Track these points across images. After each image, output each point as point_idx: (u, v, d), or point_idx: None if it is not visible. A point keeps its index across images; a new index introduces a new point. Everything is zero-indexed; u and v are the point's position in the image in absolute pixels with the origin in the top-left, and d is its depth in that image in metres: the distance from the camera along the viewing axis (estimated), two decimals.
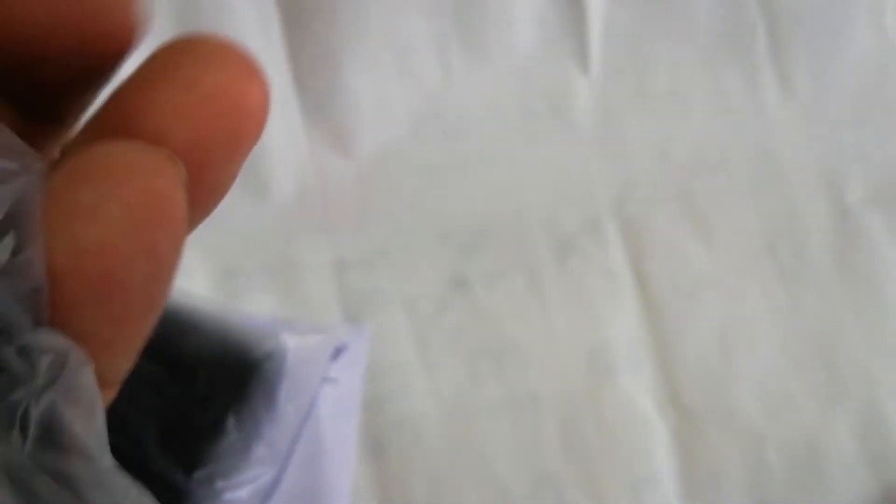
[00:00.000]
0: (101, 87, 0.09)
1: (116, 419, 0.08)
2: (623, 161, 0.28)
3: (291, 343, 0.23)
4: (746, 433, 0.26)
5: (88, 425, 0.07)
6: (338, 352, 0.26)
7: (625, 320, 0.26)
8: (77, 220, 0.08)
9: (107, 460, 0.07)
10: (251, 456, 0.22)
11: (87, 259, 0.08)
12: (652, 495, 0.25)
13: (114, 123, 0.09)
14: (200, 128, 0.09)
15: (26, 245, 0.07)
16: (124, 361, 0.09)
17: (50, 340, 0.07)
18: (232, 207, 0.27)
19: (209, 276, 0.27)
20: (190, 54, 0.09)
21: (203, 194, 0.09)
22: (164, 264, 0.09)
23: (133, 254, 0.08)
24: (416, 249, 0.27)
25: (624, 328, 0.26)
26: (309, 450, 0.24)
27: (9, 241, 0.07)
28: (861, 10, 0.29)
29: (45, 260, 0.08)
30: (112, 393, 0.09)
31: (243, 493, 0.22)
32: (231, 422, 0.22)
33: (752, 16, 0.29)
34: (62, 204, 0.08)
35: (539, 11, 0.28)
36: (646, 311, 0.27)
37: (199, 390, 0.22)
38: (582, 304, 0.27)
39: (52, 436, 0.07)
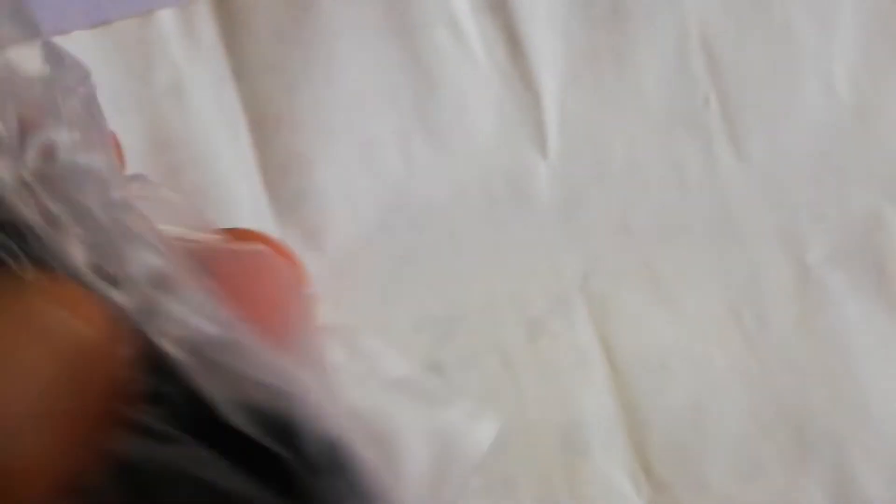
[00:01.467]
0: None
1: None
2: (586, 238, 0.29)
3: None
4: (720, 501, 0.26)
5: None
6: None
7: (596, 396, 0.27)
8: None
9: None
10: None
11: None
12: None
13: None
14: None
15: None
16: None
17: None
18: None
19: None
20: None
21: None
22: None
23: None
24: (390, 338, 0.28)
25: (595, 404, 0.27)
26: None
27: None
28: (810, 74, 0.29)
29: None
30: None
31: None
32: None
33: (703, 87, 0.29)
34: None
35: (495, 100, 0.29)
36: (616, 384, 0.27)
37: None
38: (553, 382, 0.27)
39: None
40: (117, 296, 0.09)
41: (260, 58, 0.28)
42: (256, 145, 0.28)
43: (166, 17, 0.27)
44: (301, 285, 0.13)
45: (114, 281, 0.09)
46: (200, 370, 0.09)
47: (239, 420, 0.09)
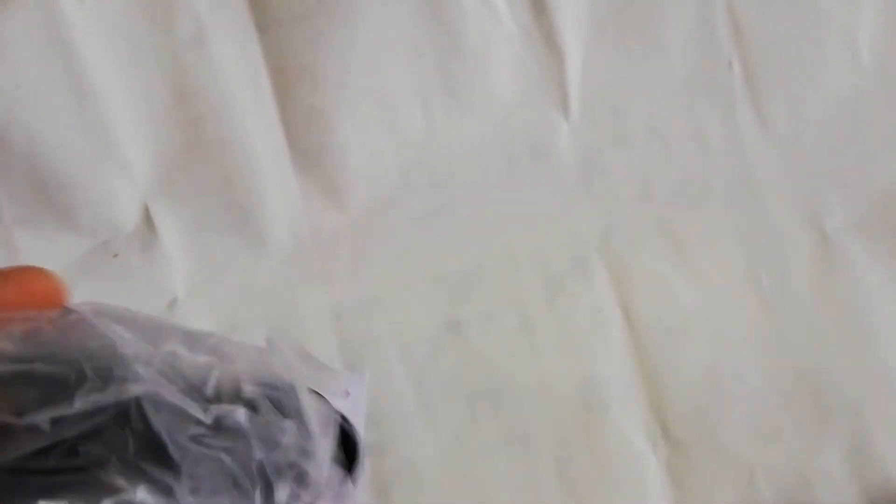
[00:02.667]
0: None
1: None
2: (606, 200, 0.28)
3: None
4: (737, 463, 0.26)
5: None
6: (345, 396, 0.26)
7: (614, 357, 0.27)
8: None
9: None
10: None
11: None
12: None
13: None
14: None
15: None
16: None
17: None
18: (232, 262, 0.28)
19: (213, 329, 0.27)
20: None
21: None
22: None
23: None
24: (410, 295, 0.27)
25: (613, 364, 0.27)
26: None
27: None
28: (834, 38, 0.29)
29: None
30: None
31: None
32: None
33: (727, 52, 0.29)
34: None
35: (517, 59, 0.28)
36: (634, 346, 0.27)
37: None
38: (572, 342, 0.27)
39: None
40: None
41: (283, 9, 0.27)
42: (278, 98, 0.27)
43: None
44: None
45: None
46: None
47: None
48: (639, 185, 0.28)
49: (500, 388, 0.26)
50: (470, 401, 0.26)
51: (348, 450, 0.16)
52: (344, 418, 0.17)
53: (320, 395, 0.13)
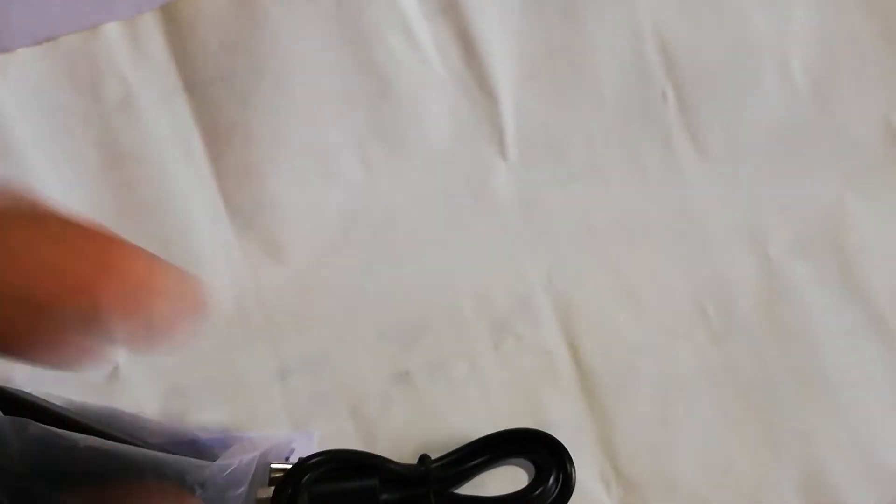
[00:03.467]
0: None
1: None
2: (548, 239, 0.28)
3: (232, 465, 0.23)
4: (690, 498, 0.25)
5: None
6: (286, 463, 0.26)
7: (563, 398, 0.26)
8: None
9: None
10: None
11: None
12: None
13: None
14: None
15: None
16: None
17: None
18: (175, 325, 0.27)
19: (156, 397, 0.26)
20: None
21: None
22: None
23: None
24: (357, 348, 0.27)
25: (563, 406, 0.26)
26: None
27: None
28: (766, 62, 0.29)
29: None
30: None
31: None
32: None
33: (660, 83, 0.29)
34: None
35: (451, 104, 0.28)
36: (582, 385, 0.27)
37: None
38: (521, 386, 0.27)
39: None
40: None
41: (210, 68, 0.27)
42: (211, 157, 0.27)
43: (113, 31, 0.27)
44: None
45: None
46: None
47: None
48: (580, 221, 0.28)
49: (451, 438, 0.26)
50: (421, 453, 0.26)
51: None
52: None
53: None
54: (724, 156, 0.28)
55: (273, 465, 0.24)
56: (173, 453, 0.24)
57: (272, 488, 0.23)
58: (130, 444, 0.23)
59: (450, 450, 0.25)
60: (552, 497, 0.24)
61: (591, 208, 0.28)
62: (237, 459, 0.22)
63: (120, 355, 0.26)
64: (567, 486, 0.24)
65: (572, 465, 0.24)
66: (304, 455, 0.25)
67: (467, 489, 0.25)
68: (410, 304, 0.27)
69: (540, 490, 0.24)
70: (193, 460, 0.23)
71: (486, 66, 0.28)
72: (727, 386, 0.27)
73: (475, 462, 0.25)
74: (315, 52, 0.27)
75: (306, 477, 0.23)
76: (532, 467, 0.25)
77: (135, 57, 0.27)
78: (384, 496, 0.24)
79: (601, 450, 0.26)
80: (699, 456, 0.26)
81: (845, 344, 0.27)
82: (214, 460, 0.25)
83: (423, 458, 0.25)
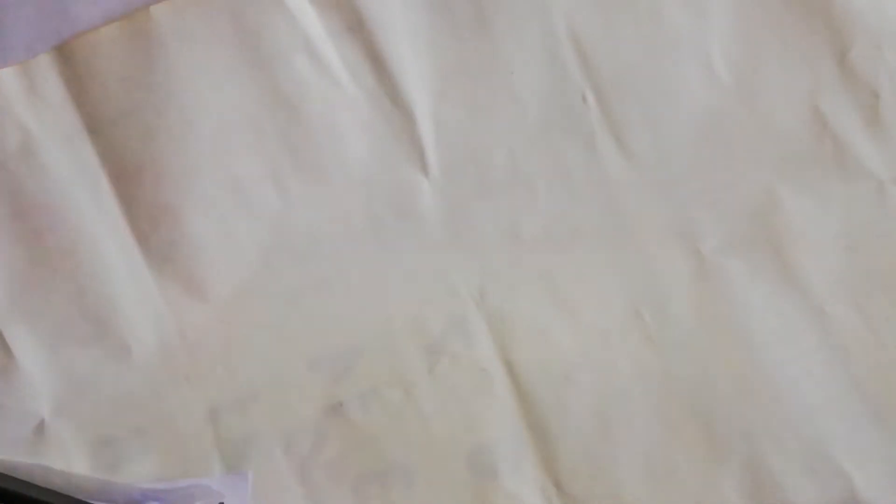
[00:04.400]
0: None
1: None
2: (478, 253, 0.27)
3: None
4: None
5: None
6: None
7: (500, 415, 0.26)
8: None
9: None
10: None
11: None
12: None
13: None
14: None
15: None
16: None
17: None
18: (97, 374, 0.26)
19: (85, 449, 0.25)
20: None
21: None
22: None
23: None
24: (287, 382, 0.26)
25: (501, 423, 0.26)
26: None
27: None
28: (687, 56, 0.28)
29: None
30: None
31: None
32: None
33: (579, 85, 0.28)
34: None
35: (366, 123, 0.27)
36: (520, 401, 0.26)
37: None
38: (457, 407, 0.26)
39: None
40: None
41: (111, 107, 0.26)
42: (120, 199, 0.26)
43: (6, 77, 0.25)
44: None
45: None
46: None
47: None
48: (508, 232, 0.27)
49: (388, 467, 0.25)
50: (358, 485, 0.25)
51: None
52: None
53: None
54: (650, 154, 0.28)
55: None
56: None
57: None
58: None
59: (385, 480, 0.25)
60: None
61: (519, 219, 0.27)
62: None
63: (44, 409, 0.26)
64: None
65: None
66: (240, 500, 0.24)
67: None
68: (340, 332, 0.26)
69: None
70: None
71: (399, 83, 0.27)
72: (666, 391, 0.26)
73: None
74: (217, 81, 0.26)
75: None
76: None
77: (31, 101, 0.26)
78: None
79: (542, 466, 0.25)
80: (641, 465, 0.25)
81: (783, 338, 0.26)
82: None
83: None
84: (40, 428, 0.25)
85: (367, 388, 0.26)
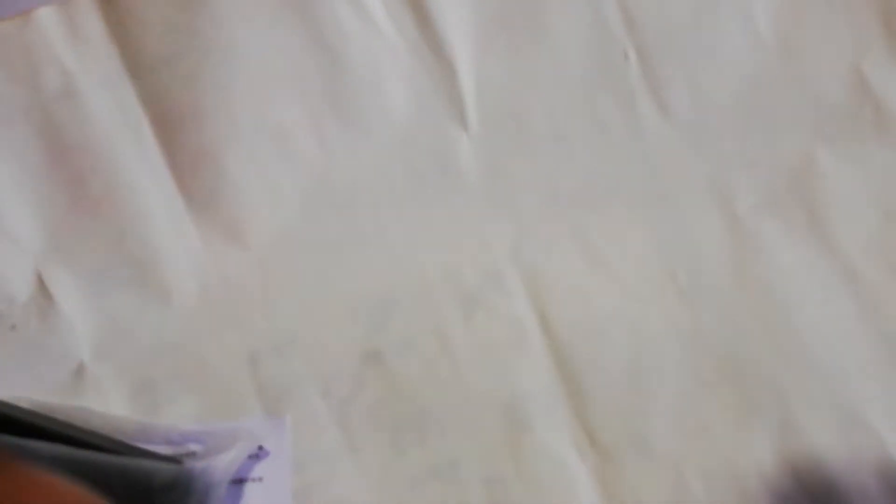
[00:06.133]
0: None
1: None
2: (514, 209, 0.27)
3: (200, 465, 0.22)
4: (665, 462, 0.25)
5: None
6: (259, 452, 0.25)
7: (535, 368, 0.26)
8: None
9: None
10: None
11: None
12: None
13: None
14: None
15: None
16: None
17: None
18: (136, 318, 0.26)
19: (124, 392, 0.25)
20: None
21: None
22: None
23: None
24: (326, 329, 0.26)
25: (535, 376, 0.26)
26: None
27: None
28: (730, 17, 0.27)
29: None
30: None
31: None
32: None
33: (621, 43, 0.27)
34: None
35: (407, 74, 0.26)
36: (554, 355, 0.26)
37: None
38: (492, 358, 0.26)
39: None
40: None
41: (154, 52, 0.25)
42: (162, 144, 0.25)
43: (46, 16, 0.25)
44: None
45: None
46: None
47: None
48: (545, 188, 0.27)
49: (424, 415, 0.25)
50: (395, 432, 0.25)
51: None
52: None
53: None
54: (689, 114, 0.27)
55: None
56: (145, 452, 0.23)
57: None
58: (99, 448, 0.22)
59: (422, 427, 0.25)
60: None
61: (556, 176, 0.27)
62: (206, 461, 0.21)
63: (84, 352, 0.25)
64: None
65: None
66: (279, 443, 0.24)
67: None
68: (377, 281, 0.26)
69: None
70: (161, 464, 0.22)
71: (442, 35, 0.26)
72: (699, 348, 0.26)
73: None
74: (261, 27, 0.25)
75: None
76: None
77: (72, 42, 0.25)
78: None
79: (574, 418, 0.25)
80: (673, 420, 0.25)
81: (817, 299, 0.26)
82: (188, 455, 0.24)
83: None
84: (80, 371, 0.25)
85: (404, 337, 0.26)
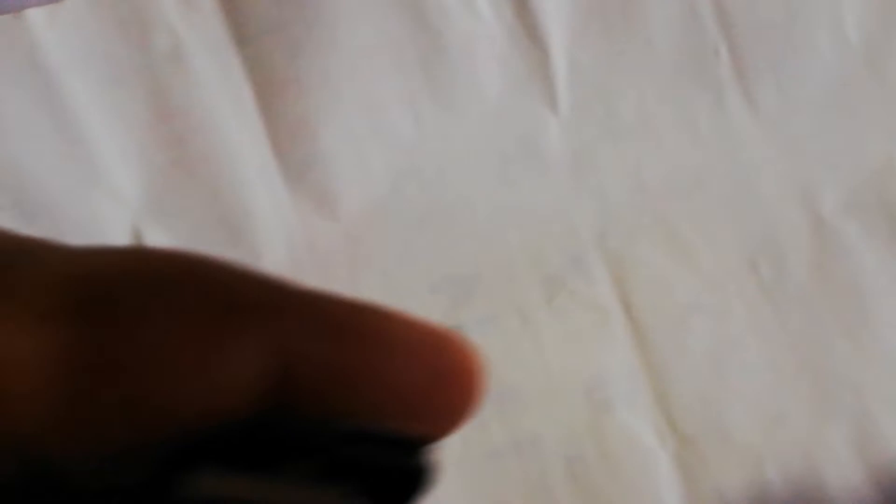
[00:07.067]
0: None
1: None
2: (600, 195, 0.27)
3: None
4: (744, 451, 0.25)
5: None
6: None
7: (617, 353, 0.26)
8: None
9: None
10: None
11: None
12: None
13: None
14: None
15: None
16: None
17: None
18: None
19: None
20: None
21: None
22: None
23: None
24: (409, 302, 0.26)
25: (617, 361, 0.26)
26: None
27: None
28: (821, 20, 0.28)
29: None
30: None
31: None
32: None
33: (713, 38, 0.27)
34: None
35: (502, 57, 0.27)
36: (637, 341, 0.26)
37: None
38: (574, 340, 0.26)
39: None
40: None
41: (261, 20, 0.26)
42: (262, 110, 0.26)
43: None
44: None
45: None
46: None
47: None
48: (632, 177, 0.27)
49: (505, 390, 0.25)
50: None
51: None
52: None
53: None
54: (777, 112, 0.27)
55: None
56: None
57: None
58: None
59: (503, 403, 0.25)
60: None
61: (643, 164, 0.27)
62: None
63: None
64: None
65: None
66: None
67: None
68: (462, 258, 0.26)
69: None
70: None
71: (538, 19, 0.27)
72: (779, 342, 0.26)
73: None
74: (367, 3, 0.26)
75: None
76: None
77: (184, 8, 0.25)
78: None
79: (655, 404, 0.25)
80: (753, 410, 0.25)
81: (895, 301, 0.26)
82: None
83: None
84: None
85: (486, 314, 0.26)
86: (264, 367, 0.09)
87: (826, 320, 0.26)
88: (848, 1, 0.27)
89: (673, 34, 0.27)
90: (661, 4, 0.27)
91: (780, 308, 0.26)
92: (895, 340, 0.26)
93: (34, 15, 0.25)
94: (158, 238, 0.26)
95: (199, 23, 0.26)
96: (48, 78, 0.25)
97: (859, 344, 0.26)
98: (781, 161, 0.27)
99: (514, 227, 0.27)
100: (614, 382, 0.25)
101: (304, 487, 0.08)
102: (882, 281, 0.26)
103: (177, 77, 0.25)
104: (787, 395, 0.25)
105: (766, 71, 0.27)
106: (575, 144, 0.27)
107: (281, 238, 0.26)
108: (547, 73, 0.27)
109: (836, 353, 0.26)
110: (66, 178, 0.25)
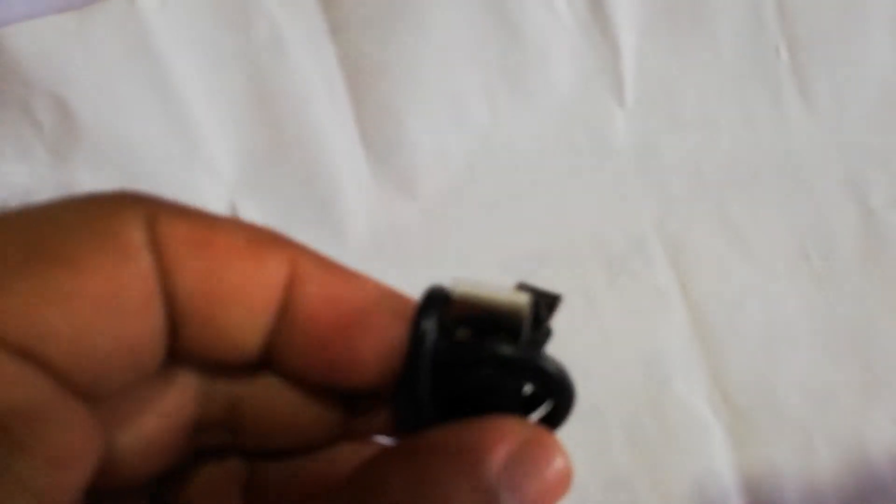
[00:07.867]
0: None
1: None
2: (661, 183, 0.28)
3: None
4: (795, 426, 0.26)
5: None
6: None
7: (675, 331, 0.27)
8: None
9: None
10: None
11: None
12: (713, 489, 0.26)
13: None
14: None
15: None
16: None
17: None
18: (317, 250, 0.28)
19: None
20: None
21: None
22: None
23: None
24: (480, 278, 0.28)
25: (674, 339, 0.27)
26: None
27: None
28: (878, 21, 0.29)
29: None
30: None
31: None
32: None
33: (774, 38, 0.29)
34: None
35: (575, 52, 0.28)
36: (693, 321, 0.27)
37: None
38: (634, 319, 0.28)
39: None
40: None
41: (354, 13, 0.27)
42: (352, 99, 0.28)
43: None
44: None
45: None
46: None
47: None
48: (691, 167, 0.28)
49: (568, 365, 0.27)
50: None
51: None
52: None
53: None
54: (832, 111, 0.29)
55: None
56: None
57: None
58: None
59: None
60: None
61: (702, 156, 0.28)
62: None
63: None
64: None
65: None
66: None
67: None
68: (530, 239, 0.28)
69: None
70: None
71: (611, 17, 0.28)
72: (829, 325, 0.27)
73: None
74: (451, 0, 0.28)
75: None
76: None
77: None
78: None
79: (711, 379, 0.27)
80: (803, 388, 0.27)
81: None
82: None
83: None
84: None
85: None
86: (286, 276, 0.13)
87: (872, 306, 0.27)
88: None
89: (736, 34, 0.28)
90: (727, 5, 0.28)
91: (830, 293, 0.27)
92: None
93: (146, 0, 0.27)
94: (251, 212, 0.28)
95: (297, 13, 0.27)
96: (156, 60, 0.27)
97: None
98: (835, 157, 0.28)
99: (579, 210, 0.28)
100: (671, 357, 0.27)
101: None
102: None
103: (275, 63, 0.27)
104: (835, 374, 0.27)
105: (823, 70, 0.29)
106: (639, 135, 0.28)
107: (364, 216, 0.28)
108: (616, 68, 0.28)
109: (884, 340, 0.27)
110: (169, 152, 0.27)
